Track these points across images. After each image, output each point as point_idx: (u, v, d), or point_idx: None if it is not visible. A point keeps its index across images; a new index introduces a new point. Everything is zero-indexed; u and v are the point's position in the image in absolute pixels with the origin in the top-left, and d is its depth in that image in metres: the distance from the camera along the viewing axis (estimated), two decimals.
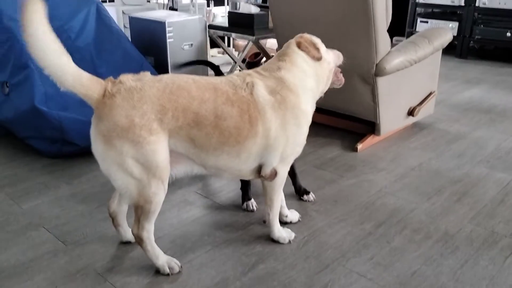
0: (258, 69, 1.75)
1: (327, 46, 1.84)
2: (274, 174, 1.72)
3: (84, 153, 2.62)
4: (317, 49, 1.76)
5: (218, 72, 2.28)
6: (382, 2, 2.40)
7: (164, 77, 1.56)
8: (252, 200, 2.15)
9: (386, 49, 2.57)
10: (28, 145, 2.72)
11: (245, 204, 2.14)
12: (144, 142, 1.47)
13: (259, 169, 1.72)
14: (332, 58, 1.85)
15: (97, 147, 1.51)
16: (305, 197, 2.20)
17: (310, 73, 1.74)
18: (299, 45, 1.75)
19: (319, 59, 1.75)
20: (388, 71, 2.57)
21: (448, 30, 2.98)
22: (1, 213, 2.08)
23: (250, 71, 1.73)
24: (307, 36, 1.79)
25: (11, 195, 2.24)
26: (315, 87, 1.76)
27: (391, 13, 2.51)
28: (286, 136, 1.66)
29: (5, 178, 2.41)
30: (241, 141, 1.59)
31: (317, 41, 1.81)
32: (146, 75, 1.56)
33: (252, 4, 3.80)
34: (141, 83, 1.50)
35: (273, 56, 1.85)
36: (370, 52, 2.53)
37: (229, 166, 1.66)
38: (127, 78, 1.51)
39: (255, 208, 2.13)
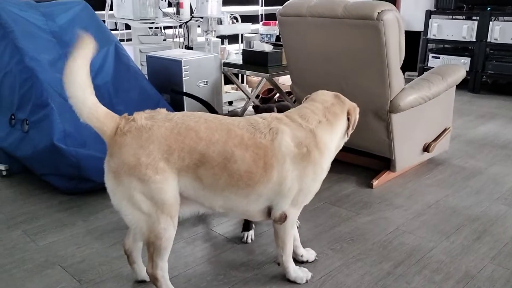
0: (294, 114, 1.71)
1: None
2: (284, 217, 1.71)
3: (100, 189, 2.65)
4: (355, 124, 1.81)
5: (212, 111, 2.34)
6: (396, 41, 2.43)
7: (176, 116, 1.58)
8: (252, 231, 2.15)
9: (399, 86, 2.59)
10: (45, 181, 2.75)
11: (243, 234, 2.14)
12: (150, 181, 1.50)
13: (268, 211, 1.72)
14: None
15: (108, 182, 1.56)
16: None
17: (340, 136, 1.77)
18: (349, 113, 1.77)
19: (352, 129, 1.80)
20: (402, 108, 2.58)
21: (461, 67, 3.00)
22: (18, 251, 2.09)
23: (282, 115, 1.71)
24: (357, 110, 1.83)
25: (28, 232, 2.25)
26: (338, 147, 1.79)
27: (404, 51, 2.54)
28: (301, 187, 1.66)
29: (23, 215, 2.43)
30: (252, 185, 1.59)
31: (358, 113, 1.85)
32: (160, 113, 1.59)
33: (266, 42, 3.88)
34: (152, 122, 1.53)
35: (306, 100, 1.83)
36: (384, 89, 2.55)
37: (236, 206, 1.65)
38: (140, 116, 1.55)
39: (250, 240, 2.13)
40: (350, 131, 1.81)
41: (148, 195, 1.51)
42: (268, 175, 1.59)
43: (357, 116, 1.83)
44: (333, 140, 1.73)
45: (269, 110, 2.11)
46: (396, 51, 2.46)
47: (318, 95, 1.82)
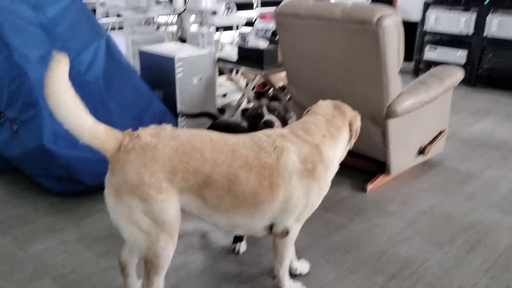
0: (298, 129, 1.68)
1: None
2: (286, 232, 1.69)
3: (90, 191, 2.61)
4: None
5: (214, 118, 2.32)
6: (395, 46, 2.38)
7: (182, 134, 1.54)
8: (243, 242, 2.14)
9: (397, 91, 2.54)
10: (35, 182, 2.70)
11: (234, 245, 2.13)
12: (152, 200, 1.47)
13: (271, 226, 1.70)
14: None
15: (108, 198, 1.52)
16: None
17: (343, 149, 1.75)
18: (350, 124, 1.75)
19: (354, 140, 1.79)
20: (399, 114, 2.54)
21: (459, 69, 2.96)
22: (8, 259, 2.05)
23: (286, 130, 1.68)
24: (358, 116, 1.80)
25: (18, 238, 2.21)
26: (341, 158, 1.77)
27: (403, 56, 2.49)
28: (306, 203, 1.64)
29: (12, 218, 2.39)
30: (257, 206, 1.57)
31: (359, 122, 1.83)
32: (166, 129, 1.55)
33: (261, 37, 3.80)
34: (157, 140, 1.49)
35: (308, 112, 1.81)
36: (381, 94, 2.50)
37: (241, 225, 1.64)
38: (145, 133, 1.51)
39: (242, 251, 2.12)
40: (353, 141, 1.79)
41: (149, 214, 1.48)
42: (274, 195, 1.57)
43: (359, 124, 1.80)
44: (337, 154, 1.72)
45: (257, 116, 2.03)
46: (394, 56, 2.41)
47: (319, 108, 1.79)
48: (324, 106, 1.79)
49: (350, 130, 1.76)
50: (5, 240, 2.20)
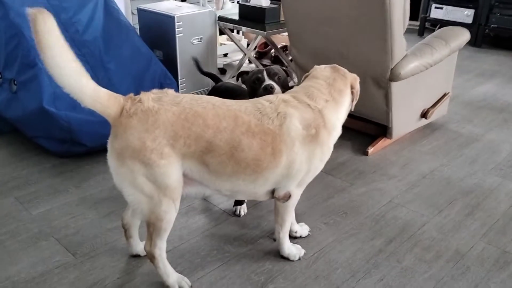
0: (301, 93, 1.67)
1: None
2: (288, 196, 1.70)
3: (93, 153, 2.62)
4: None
5: (217, 82, 2.28)
6: (401, 7, 2.31)
7: (184, 99, 1.52)
8: (244, 205, 2.16)
9: (401, 54, 2.50)
10: (36, 143, 2.70)
11: (235, 208, 2.15)
12: (154, 165, 1.47)
13: (273, 190, 1.71)
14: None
15: (111, 162, 1.53)
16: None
17: (346, 111, 1.74)
18: (352, 87, 1.74)
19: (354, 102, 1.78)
20: (403, 76, 2.50)
21: (465, 31, 2.89)
22: (12, 220, 2.08)
23: (289, 96, 1.66)
24: (358, 79, 1.79)
25: (21, 199, 2.24)
26: (342, 123, 1.76)
27: (408, 17, 2.42)
28: (309, 168, 1.65)
29: (14, 180, 2.40)
30: (259, 171, 1.57)
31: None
32: (168, 94, 1.53)
33: None
34: (159, 105, 1.48)
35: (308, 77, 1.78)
36: (385, 56, 2.46)
37: (244, 190, 1.65)
38: (147, 98, 1.49)
39: (243, 213, 2.15)
40: (354, 103, 1.79)
41: (151, 179, 1.49)
42: (277, 161, 1.57)
43: (358, 87, 1.79)
44: (339, 118, 1.71)
45: (257, 80, 1.99)
46: (400, 17, 2.35)
47: (318, 72, 1.77)
48: (324, 70, 1.77)
49: (352, 93, 1.76)
50: (8, 201, 2.22)
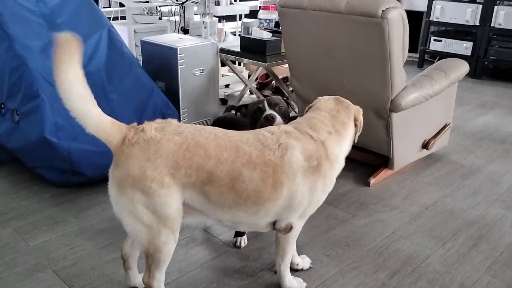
0: (302, 123, 1.67)
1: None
2: (290, 228, 1.68)
3: (92, 183, 2.61)
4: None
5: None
6: (400, 39, 2.35)
7: (186, 129, 1.53)
8: (244, 236, 2.13)
9: (401, 84, 2.51)
10: (36, 173, 2.70)
11: (235, 239, 2.12)
12: (154, 194, 1.46)
13: (275, 222, 1.69)
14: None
15: (111, 191, 1.53)
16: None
17: (349, 144, 1.73)
18: (356, 119, 1.74)
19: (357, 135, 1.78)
20: (403, 107, 2.52)
21: (464, 63, 2.92)
22: (9, 251, 2.05)
23: (291, 127, 1.65)
24: (361, 111, 1.79)
25: (19, 230, 2.21)
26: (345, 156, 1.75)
27: (407, 49, 2.45)
28: (311, 200, 1.63)
29: (13, 210, 2.39)
30: (260, 203, 1.56)
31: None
32: (171, 124, 1.54)
33: (265, 28, 3.76)
34: (161, 135, 1.48)
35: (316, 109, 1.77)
36: (385, 88, 2.47)
37: (245, 221, 1.63)
38: (150, 127, 1.50)
39: (243, 245, 2.11)
40: (358, 135, 1.78)
41: (151, 208, 1.48)
42: (278, 193, 1.56)
43: (362, 119, 1.79)
44: (342, 150, 1.70)
45: (258, 110, 1.99)
46: (399, 49, 2.38)
47: (322, 103, 1.77)
48: (327, 101, 1.77)
49: (355, 125, 1.75)
50: (6, 232, 2.20)
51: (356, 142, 1.79)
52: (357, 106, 1.79)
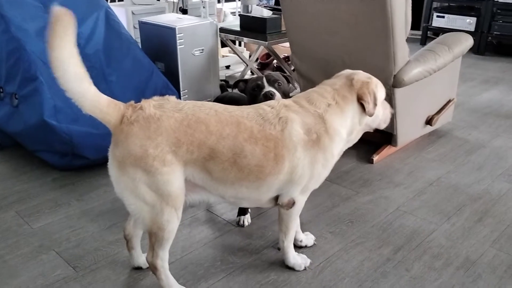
0: (302, 98, 1.64)
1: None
2: (292, 203, 1.67)
3: (94, 166, 2.60)
4: (375, 104, 1.67)
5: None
6: (402, 12, 2.30)
7: (186, 106, 1.50)
8: (248, 215, 2.12)
9: (404, 60, 2.47)
10: (37, 157, 2.68)
11: (238, 218, 2.11)
12: (156, 172, 1.45)
13: (277, 197, 1.67)
14: (381, 115, 1.76)
15: (112, 171, 1.51)
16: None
17: (351, 125, 1.67)
18: (360, 97, 1.64)
19: (370, 115, 1.67)
20: (406, 83, 2.48)
21: (468, 36, 2.87)
22: (12, 234, 2.05)
23: (290, 101, 1.63)
24: (373, 84, 1.68)
25: (21, 213, 2.21)
26: (347, 138, 1.69)
27: (410, 23, 2.41)
28: (312, 174, 1.61)
29: (16, 194, 2.38)
30: (262, 178, 1.54)
31: (380, 92, 1.71)
32: (170, 101, 1.52)
33: (265, 6, 3.70)
34: (161, 112, 1.46)
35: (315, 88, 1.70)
36: (388, 63, 2.43)
37: (247, 197, 1.62)
38: (148, 104, 1.48)
39: (247, 223, 2.10)
40: (390, 113, 1.77)
41: (153, 187, 1.46)
42: (279, 167, 1.54)
43: (380, 93, 1.71)
44: (344, 124, 1.64)
45: (257, 87, 1.96)
46: (402, 23, 2.33)
47: (331, 79, 1.74)
48: (335, 77, 1.74)
49: (362, 104, 1.65)
50: (9, 215, 2.19)
51: (386, 123, 1.74)
52: (367, 84, 1.65)
